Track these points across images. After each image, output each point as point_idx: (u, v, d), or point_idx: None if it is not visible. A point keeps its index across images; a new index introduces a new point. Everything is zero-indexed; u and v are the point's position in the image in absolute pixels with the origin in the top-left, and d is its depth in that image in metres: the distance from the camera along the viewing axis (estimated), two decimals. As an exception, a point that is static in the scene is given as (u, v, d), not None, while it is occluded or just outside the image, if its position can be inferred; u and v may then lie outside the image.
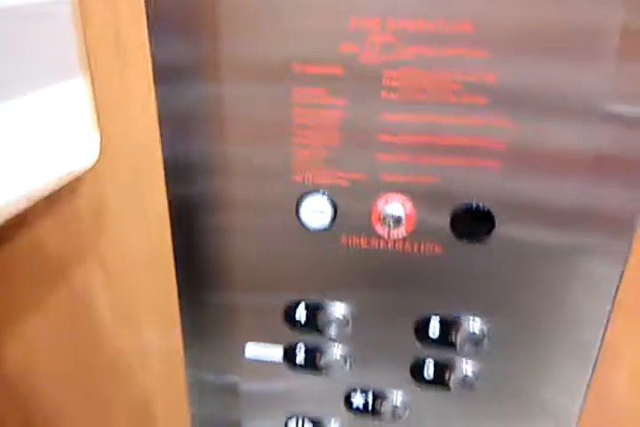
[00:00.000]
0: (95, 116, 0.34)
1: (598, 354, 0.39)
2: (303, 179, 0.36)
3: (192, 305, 0.43)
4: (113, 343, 0.42)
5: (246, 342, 0.44)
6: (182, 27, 0.33)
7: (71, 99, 0.32)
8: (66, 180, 0.33)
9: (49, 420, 0.40)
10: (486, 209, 0.35)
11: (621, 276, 0.36)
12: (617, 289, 0.37)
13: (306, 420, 0.46)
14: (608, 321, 0.38)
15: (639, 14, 0.29)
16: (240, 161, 0.37)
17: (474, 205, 0.35)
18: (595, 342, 0.39)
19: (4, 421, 0.36)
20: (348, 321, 0.40)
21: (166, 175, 0.37)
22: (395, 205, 0.35)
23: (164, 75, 0.34)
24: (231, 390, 0.46)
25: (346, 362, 0.42)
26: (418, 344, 0.40)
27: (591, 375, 0.40)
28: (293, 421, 0.46)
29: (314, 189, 0.36)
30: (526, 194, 0.35)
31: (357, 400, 0.44)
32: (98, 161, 0.35)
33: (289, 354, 0.43)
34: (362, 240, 0.37)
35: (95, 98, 0.34)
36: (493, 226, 0.35)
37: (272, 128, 0.35)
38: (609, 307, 0.38)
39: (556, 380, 0.41)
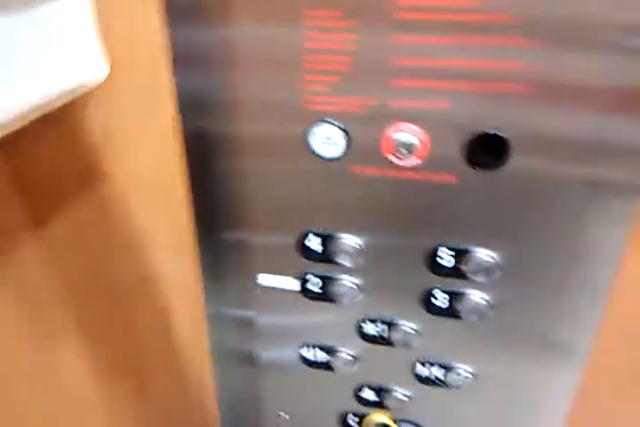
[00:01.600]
0: (102, 35, 0.34)
1: (612, 288, 0.39)
2: (314, 107, 0.35)
3: (207, 238, 0.43)
4: (131, 263, 0.43)
5: (261, 273, 0.45)
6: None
7: (76, 16, 0.32)
8: (76, 93, 0.33)
9: (70, 331, 0.41)
10: (501, 136, 0.34)
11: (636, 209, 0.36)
12: (631, 223, 0.37)
13: (318, 348, 0.47)
14: (622, 254, 0.38)
15: None
16: (251, 91, 0.36)
17: (489, 133, 0.34)
18: (608, 276, 0.39)
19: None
20: (360, 251, 0.41)
21: (180, 108, 0.37)
22: (407, 133, 0.35)
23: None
24: (247, 322, 0.48)
25: (359, 292, 0.43)
26: (430, 274, 0.41)
27: (604, 309, 0.40)
28: (306, 349, 0.48)
29: (325, 118, 0.36)
30: (543, 122, 0.34)
31: (369, 329, 0.45)
32: (107, 81, 0.35)
33: (303, 284, 0.44)
34: (374, 170, 0.37)
35: (103, 19, 0.33)
36: (508, 154, 0.35)
37: (283, 54, 0.34)
38: (623, 241, 0.37)
39: (568, 313, 0.41)
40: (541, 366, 0.44)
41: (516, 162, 0.35)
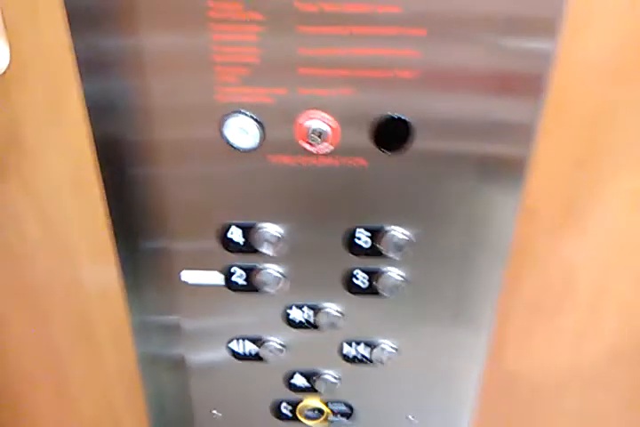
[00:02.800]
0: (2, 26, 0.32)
1: (509, 253, 0.43)
2: (226, 99, 0.36)
3: (127, 244, 0.42)
4: (48, 271, 0.41)
5: (185, 271, 0.44)
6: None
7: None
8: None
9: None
10: (404, 119, 0.37)
11: (525, 180, 0.40)
12: (521, 194, 0.41)
13: (247, 340, 0.48)
14: (515, 224, 0.42)
15: None
16: (163, 93, 0.36)
17: (392, 116, 0.37)
18: (506, 242, 0.43)
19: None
20: (282, 239, 0.42)
21: (89, 112, 0.36)
22: (318, 120, 0.37)
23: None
24: (173, 326, 0.47)
25: (283, 279, 0.44)
26: (349, 256, 0.43)
27: (504, 273, 0.45)
28: (235, 343, 0.48)
29: (238, 109, 0.36)
30: (439, 105, 0.37)
31: (296, 315, 0.46)
32: (9, 77, 0.33)
33: (227, 276, 0.44)
34: (289, 158, 0.38)
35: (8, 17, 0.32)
36: (412, 136, 0.38)
37: (191, 50, 0.34)
38: (516, 211, 0.42)
39: (474, 280, 0.45)
40: (455, 334, 0.48)
41: (419, 143, 0.38)
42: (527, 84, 0.36)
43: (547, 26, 0.34)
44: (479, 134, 0.38)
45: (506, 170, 0.40)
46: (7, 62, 0.33)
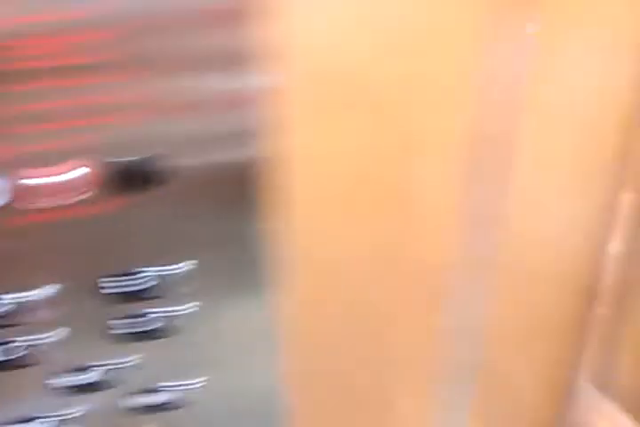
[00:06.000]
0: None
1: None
2: None
3: None
4: None
5: None
6: None
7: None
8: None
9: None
10: (139, 162, 0.38)
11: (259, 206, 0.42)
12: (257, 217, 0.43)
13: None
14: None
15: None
16: None
17: (126, 161, 0.37)
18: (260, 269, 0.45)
19: None
20: (47, 304, 0.39)
21: None
22: (44, 176, 0.36)
23: None
24: None
25: (49, 347, 0.41)
26: (112, 305, 0.42)
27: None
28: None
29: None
30: (167, 143, 0.38)
31: (75, 380, 0.43)
32: None
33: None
34: (34, 216, 0.37)
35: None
36: (152, 176, 0.38)
37: None
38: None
39: (252, 302, 0.46)
40: (247, 362, 0.48)
41: (160, 184, 0.39)
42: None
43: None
44: (212, 170, 0.40)
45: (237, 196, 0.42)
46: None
